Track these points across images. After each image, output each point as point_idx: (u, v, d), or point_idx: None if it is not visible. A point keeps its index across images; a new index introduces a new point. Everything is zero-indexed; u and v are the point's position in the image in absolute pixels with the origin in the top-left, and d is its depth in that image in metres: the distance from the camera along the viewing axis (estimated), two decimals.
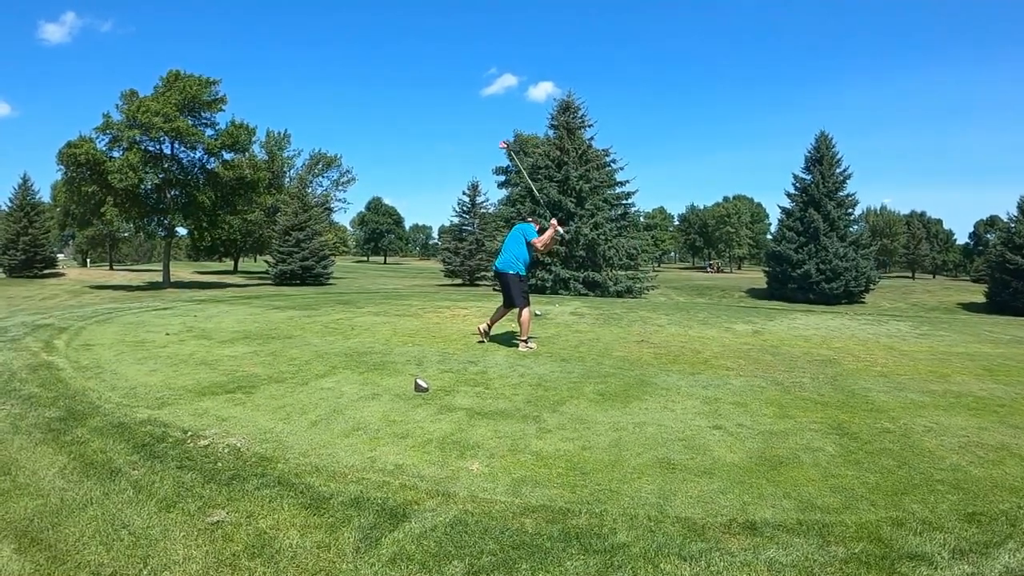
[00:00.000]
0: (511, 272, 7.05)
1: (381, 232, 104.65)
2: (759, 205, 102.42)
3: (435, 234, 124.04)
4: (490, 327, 7.32)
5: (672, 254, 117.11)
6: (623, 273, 29.78)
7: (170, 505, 2.78)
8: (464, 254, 46.43)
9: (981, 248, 79.76)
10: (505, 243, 7.32)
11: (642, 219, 39.34)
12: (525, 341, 6.95)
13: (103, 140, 31.66)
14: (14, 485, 3.01)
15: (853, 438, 3.80)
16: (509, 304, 7.17)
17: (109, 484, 2.95)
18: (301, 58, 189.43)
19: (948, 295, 42.61)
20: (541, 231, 7.31)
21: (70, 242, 64.41)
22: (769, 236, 70.12)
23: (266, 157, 54.00)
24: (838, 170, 40.46)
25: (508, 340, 7.35)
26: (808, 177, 40.81)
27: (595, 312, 10.65)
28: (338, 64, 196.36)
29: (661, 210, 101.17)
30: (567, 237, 26.69)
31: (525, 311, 7.01)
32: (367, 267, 78.62)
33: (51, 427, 3.86)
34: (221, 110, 34.52)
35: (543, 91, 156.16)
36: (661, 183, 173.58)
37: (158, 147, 32.99)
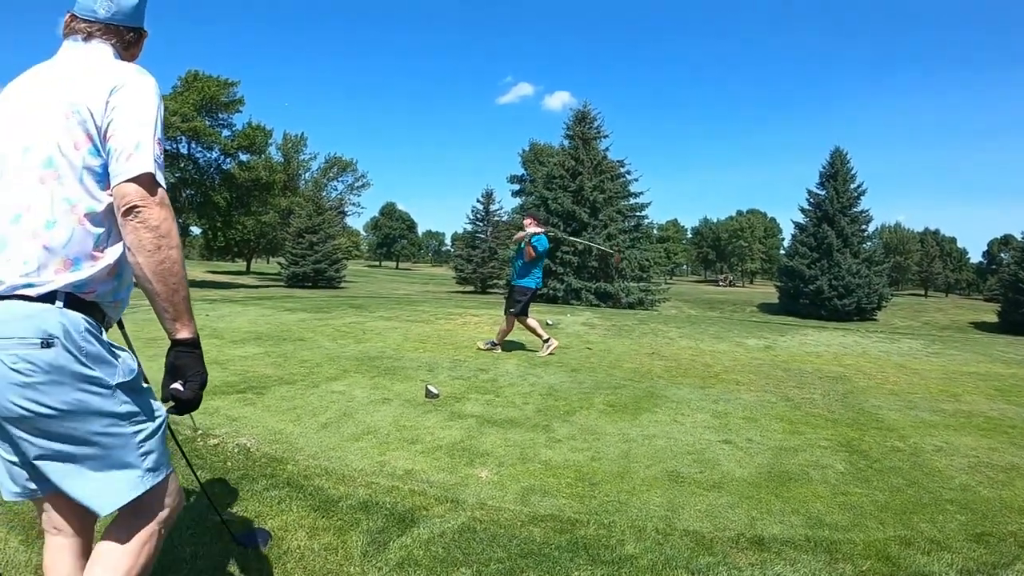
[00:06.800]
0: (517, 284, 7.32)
1: (394, 237, 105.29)
2: (772, 220, 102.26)
3: (448, 241, 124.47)
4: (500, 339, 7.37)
5: (684, 267, 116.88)
6: (635, 285, 29.76)
7: None
8: (477, 261, 46.42)
9: (995, 267, 79.05)
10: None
11: (655, 231, 39.36)
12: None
13: None
14: None
15: (863, 456, 3.79)
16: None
17: None
18: (319, 64, 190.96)
19: (961, 314, 42.20)
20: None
21: None
22: (782, 251, 69.97)
23: (282, 159, 54.49)
24: (852, 186, 40.26)
25: (519, 349, 7.38)
26: (822, 192, 40.63)
27: (606, 323, 10.65)
28: (355, 70, 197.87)
29: (674, 222, 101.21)
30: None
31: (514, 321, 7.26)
32: (379, 272, 78.96)
33: None
34: (238, 111, 34.98)
35: (559, 100, 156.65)
36: (675, 195, 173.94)
37: (175, 146, 33.38)
